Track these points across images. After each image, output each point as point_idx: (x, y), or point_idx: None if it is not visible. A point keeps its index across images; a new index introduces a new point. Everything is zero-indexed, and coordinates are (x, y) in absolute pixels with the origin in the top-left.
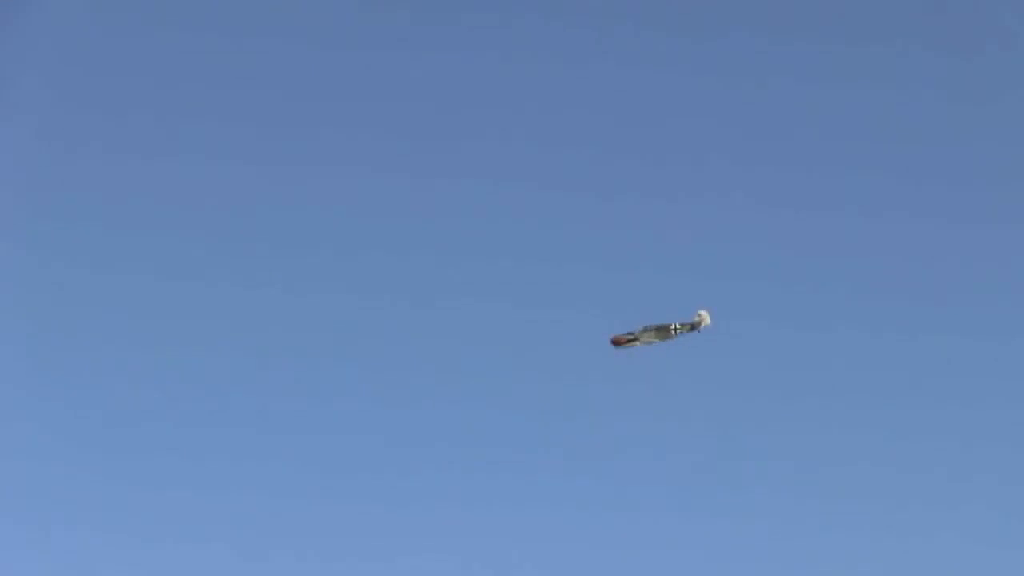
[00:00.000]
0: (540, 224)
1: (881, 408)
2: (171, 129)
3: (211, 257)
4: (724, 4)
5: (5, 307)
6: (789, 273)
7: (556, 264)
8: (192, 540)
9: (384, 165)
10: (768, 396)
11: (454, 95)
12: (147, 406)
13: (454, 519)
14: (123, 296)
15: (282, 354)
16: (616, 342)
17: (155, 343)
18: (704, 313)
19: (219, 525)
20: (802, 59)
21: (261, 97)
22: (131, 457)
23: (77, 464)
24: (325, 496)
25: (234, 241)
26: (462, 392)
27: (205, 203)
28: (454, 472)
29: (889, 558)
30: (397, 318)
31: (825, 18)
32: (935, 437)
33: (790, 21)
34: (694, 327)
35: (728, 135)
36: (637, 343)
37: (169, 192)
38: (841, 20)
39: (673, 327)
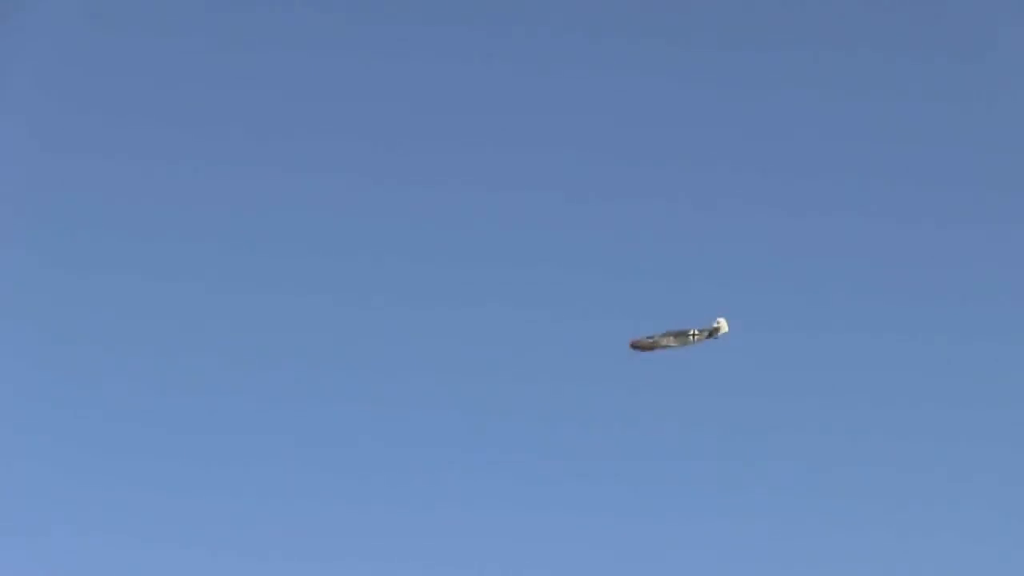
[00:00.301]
0: (542, 227)
1: (884, 409)
2: (169, 132)
3: (210, 260)
4: (724, 12)
5: (4, 310)
6: (791, 276)
7: (557, 267)
8: (192, 543)
9: (386, 169)
10: (772, 399)
11: (464, 99)
12: (148, 409)
13: (459, 522)
14: (122, 299)
15: (286, 357)
16: (635, 346)
17: (154, 346)
18: (722, 320)
19: (220, 528)
20: (801, 65)
21: (259, 100)
22: (132, 460)
23: (78, 467)
24: (330, 499)
25: (233, 244)
26: (467, 396)
27: (203, 206)
28: (459, 476)
29: (892, 558)
30: (399, 322)
31: (823, 25)
32: (938, 438)
33: (788, 28)
34: (712, 334)
35: (731, 141)
36: (656, 348)
37: (167, 195)
38: (840, 27)
39: (691, 333)
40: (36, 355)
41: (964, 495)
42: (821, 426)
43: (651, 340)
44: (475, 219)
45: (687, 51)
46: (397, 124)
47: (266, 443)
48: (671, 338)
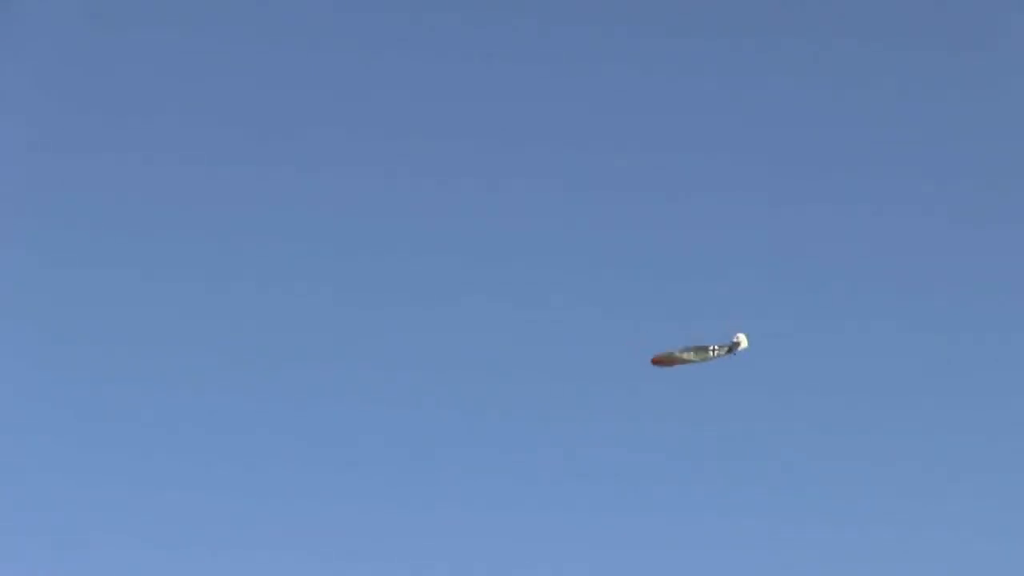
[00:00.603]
0: (544, 224)
1: (883, 406)
2: (167, 130)
3: (211, 258)
4: (728, 4)
5: (5, 309)
6: (795, 271)
7: (556, 263)
8: (194, 542)
9: (387, 165)
10: (770, 395)
11: (465, 95)
12: (150, 407)
13: (459, 520)
14: (125, 297)
15: (287, 355)
16: (657, 361)
17: (156, 344)
18: (742, 336)
19: (221, 526)
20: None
21: (257, 98)
22: (132, 458)
23: (78, 467)
24: (334, 497)
25: (233, 242)
26: (467, 394)
27: (203, 204)
28: (457, 474)
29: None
30: (402, 319)
31: (826, 18)
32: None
33: (790, 21)
34: (731, 349)
35: (735, 134)
36: (677, 363)
37: (168, 193)
38: (843, 19)
39: (712, 348)
40: (36, 355)
41: (970, 491)
42: (825, 427)
43: (672, 355)
44: (482, 217)
45: (688, 45)
46: (399, 121)
47: (267, 442)
48: (691, 353)
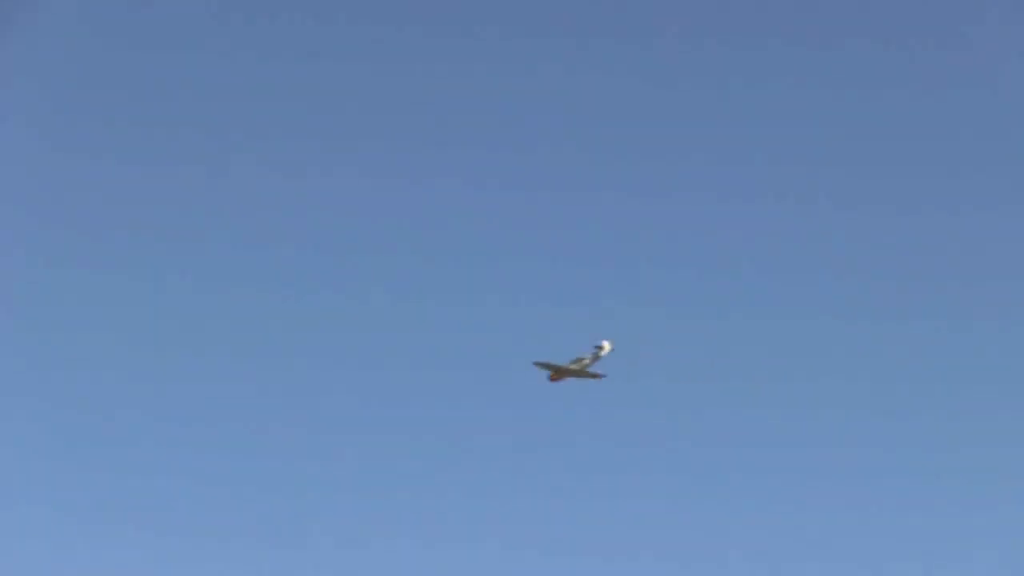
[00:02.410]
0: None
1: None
2: (167, 136)
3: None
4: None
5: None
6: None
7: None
8: (193, 535)
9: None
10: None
11: (452, 101)
12: (147, 404)
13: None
14: (125, 299)
15: (283, 354)
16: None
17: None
18: (606, 342)
19: (218, 519)
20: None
21: (258, 105)
22: (130, 455)
23: (77, 464)
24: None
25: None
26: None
27: (209, 207)
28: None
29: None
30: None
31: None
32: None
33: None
34: (596, 355)
35: (723, 136)
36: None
37: (170, 197)
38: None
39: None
40: (36, 355)
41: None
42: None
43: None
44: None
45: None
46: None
47: (266, 439)
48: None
